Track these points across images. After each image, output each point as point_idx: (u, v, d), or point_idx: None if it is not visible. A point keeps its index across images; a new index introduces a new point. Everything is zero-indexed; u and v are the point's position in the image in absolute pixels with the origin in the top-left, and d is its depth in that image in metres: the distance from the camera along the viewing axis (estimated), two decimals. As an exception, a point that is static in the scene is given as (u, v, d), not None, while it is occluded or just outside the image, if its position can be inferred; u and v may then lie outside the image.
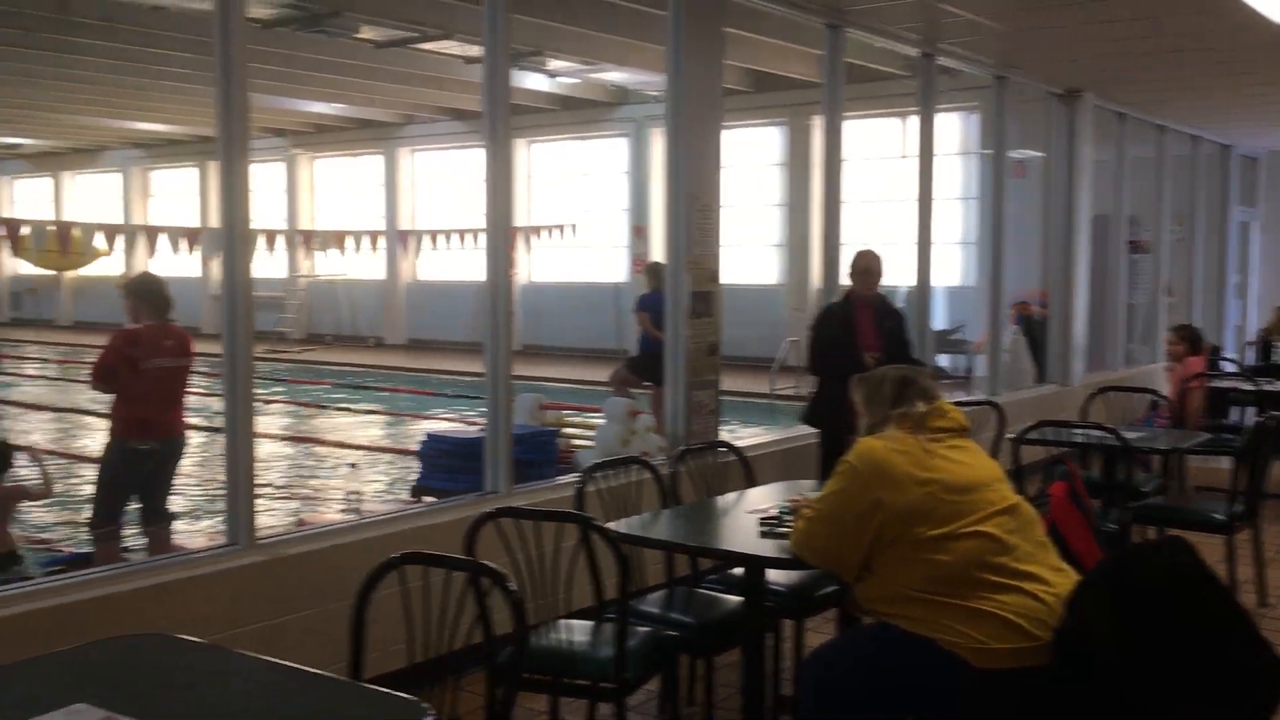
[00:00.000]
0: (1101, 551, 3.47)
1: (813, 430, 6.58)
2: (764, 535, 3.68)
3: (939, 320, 12.78)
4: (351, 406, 14.23)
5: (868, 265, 6.33)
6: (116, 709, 2.14)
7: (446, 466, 7.39)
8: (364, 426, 12.78)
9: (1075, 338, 10.28)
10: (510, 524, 3.57)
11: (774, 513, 3.87)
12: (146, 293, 5.89)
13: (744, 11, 7.06)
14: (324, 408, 14.11)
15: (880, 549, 3.05)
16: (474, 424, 10.62)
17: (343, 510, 8.21)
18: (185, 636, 2.69)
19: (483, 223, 5.13)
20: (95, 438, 11.06)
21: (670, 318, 6.11)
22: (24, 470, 6.40)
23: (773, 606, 4.05)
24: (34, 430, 12.80)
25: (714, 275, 6.16)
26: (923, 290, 8.32)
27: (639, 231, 18.58)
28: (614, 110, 18.26)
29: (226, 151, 4.12)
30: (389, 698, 2.25)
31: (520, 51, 12.63)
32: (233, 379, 4.18)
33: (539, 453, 7.32)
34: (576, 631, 3.62)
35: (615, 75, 15.67)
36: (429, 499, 6.93)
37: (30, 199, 27.66)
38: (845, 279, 6.86)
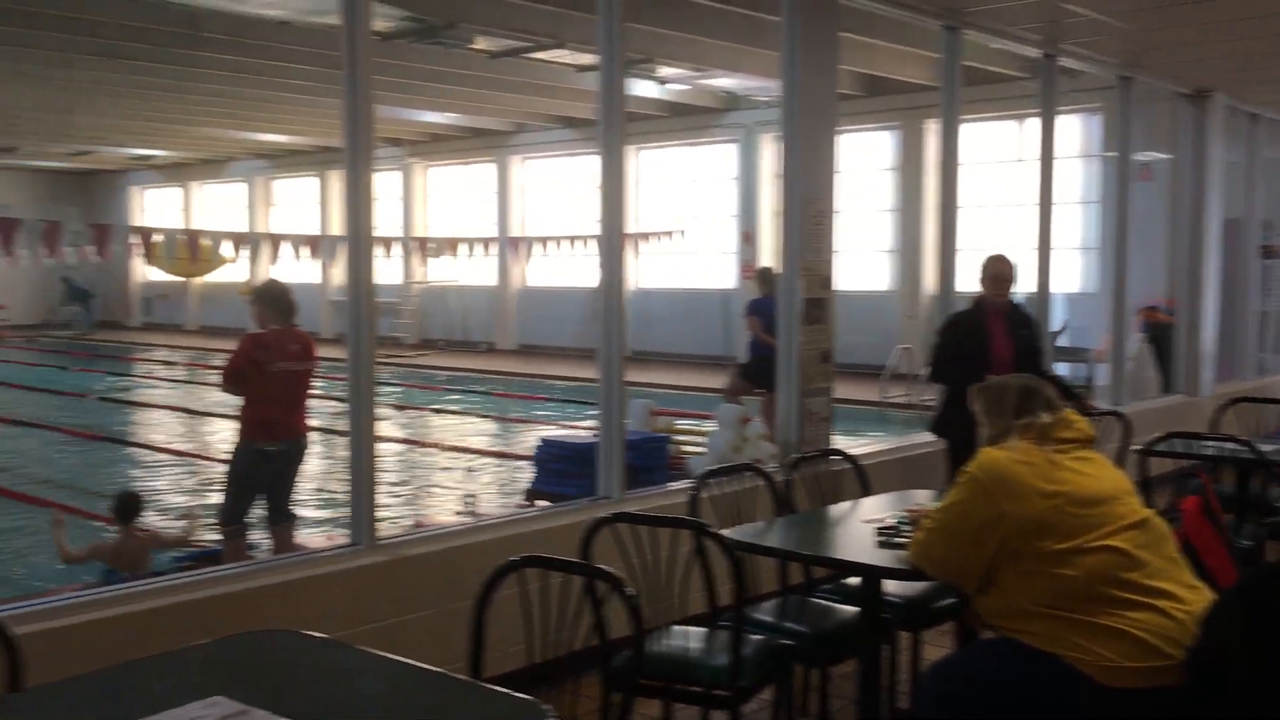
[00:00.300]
0: (1236, 568, 3.35)
1: (931, 439, 6.46)
2: (881, 545, 3.64)
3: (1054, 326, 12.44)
4: (463, 410, 14.46)
5: (1000, 270, 6.14)
6: (250, 702, 2.21)
7: (560, 471, 7.46)
8: (476, 430, 12.98)
9: (1204, 346, 9.91)
10: (625, 529, 3.59)
11: (891, 522, 3.81)
12: (273, 298, 6.09)
13: (858, 15, 6.99)
14: (437, 411, 14.37)
15: (1003, 562, 2.99)
16: (577, 427, 10.70)
17: (458, 512, 8.34)
18: (312, 633, 2.76)
19: (592, 229, 5.17)
20: (219, 437, 11.47)
21: (783, 324, 6.05)
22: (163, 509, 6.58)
23: (889, 618, 4.00)
24: (163, 430, 13.32)
25: (827, 281, 6.10)
26: (1043, 297, 8.11)
27: (747, 238, 18.52)
28: (723, 116, 18.22)
29: (351, 161, 4.22)
30: (511, 698, 2.28)
31: (632, 59, 12.70)
32: (356, 383, 4.28)
33: (651, 458, 7.36)
34: (691, 638, 3.62)
35: (725, 81, 15.63)
36: (542, 502, 7.02)
37: (160, 208, 28.81)
38: (962, 285, 6.72)
